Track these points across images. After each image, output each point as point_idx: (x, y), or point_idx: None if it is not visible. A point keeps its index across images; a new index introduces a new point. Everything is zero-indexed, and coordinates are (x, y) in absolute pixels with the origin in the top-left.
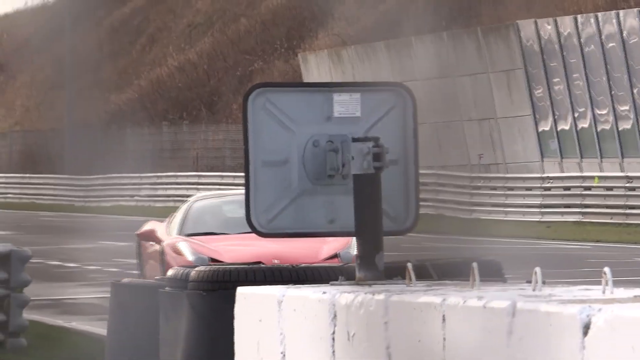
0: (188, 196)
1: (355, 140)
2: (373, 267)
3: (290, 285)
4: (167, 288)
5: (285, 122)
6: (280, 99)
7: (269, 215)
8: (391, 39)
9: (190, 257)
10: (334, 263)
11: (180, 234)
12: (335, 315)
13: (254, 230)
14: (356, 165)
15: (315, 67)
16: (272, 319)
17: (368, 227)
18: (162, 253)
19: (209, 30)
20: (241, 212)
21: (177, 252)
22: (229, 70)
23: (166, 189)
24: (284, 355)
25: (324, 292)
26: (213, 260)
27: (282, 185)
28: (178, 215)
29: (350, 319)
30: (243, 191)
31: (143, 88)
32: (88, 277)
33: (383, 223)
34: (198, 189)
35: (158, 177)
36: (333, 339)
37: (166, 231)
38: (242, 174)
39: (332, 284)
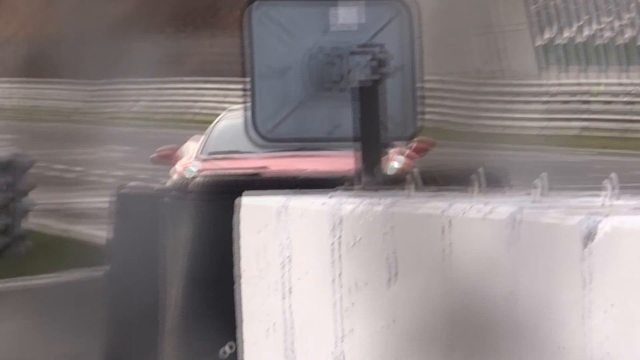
0: (192, 102)
1: (353, 52)
2: (375, 174)
3: (291, 194)
4: (168, 197)
5: (285, 34)
6: (280, 11)
7: (271, 123)
8: None
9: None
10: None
11: (202, 154)
12: (336, 224)
13: (258, 135)
14: (354, 74)
15: None
16: (272, 228)
17: (369, 135)
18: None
19: None
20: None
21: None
22: None
23: (170, 94)
24: (284, 263)
25: (324, 202)
26: None
27: (283, 95)
28: (205, 134)
29: (352, 227)
30: None
31: None
32: (93, 182)
33: (388, 129)
34: (203, 96)
35: (163, 81)
36: (333, 248)
37: (191, 152)
38: (244, 82)
39: (333, 192)
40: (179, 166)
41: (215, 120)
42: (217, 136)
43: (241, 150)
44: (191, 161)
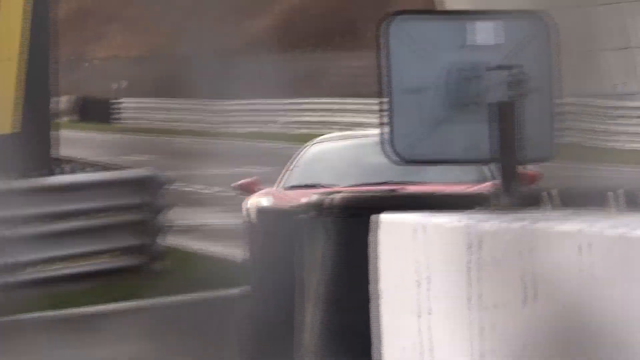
0: (327, 123)
1: (490, 69)
2: (510, 194)
3: (427, 213)
4: (303, 214)
5: (421, 50)
6: (416, 26)
7: (409, 143)
8: None
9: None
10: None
11: (280, 186)
12: (473, 243)
13: (397, 157)
14: (492, 93)
15: None
16: (410, 246)
17: (505, 155)
18: (246, 209)
19: None
20: (365, 158)
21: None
22: None
23: (304, 115)
24: (420, 282)
25: (461, 221)
26: None
27: (420, 113)
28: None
29: (490, 246)
30: (372, 132)
31: (277, 15)
32: (229, 200)
33: (524, 151)
34: (337, 116)
35: (296, 103)
36: (469, 267)
37: (278, 183)
38: (381, 101)
39: (471, 211)
40: (251, 199)
41: (301, 151)
42: (300, 168)
43: (323, 184)
44: (265, 195)
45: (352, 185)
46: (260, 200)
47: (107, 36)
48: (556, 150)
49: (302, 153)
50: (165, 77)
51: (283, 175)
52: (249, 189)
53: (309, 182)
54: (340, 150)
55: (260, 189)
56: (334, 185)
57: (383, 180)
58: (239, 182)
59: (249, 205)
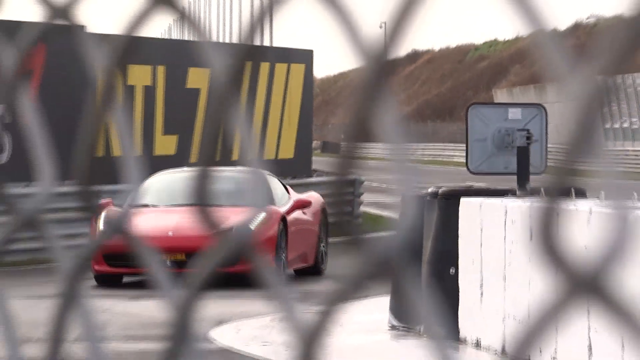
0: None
1: (519, 130)
2: (524, 189)
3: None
4: (428, 198)
5: (485, 120)
6: (483, 110)
7: (478, 163)
8: None
9: (101, 226)
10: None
11: (128, 204)
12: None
13: (470, 171)
14: (518, 141)
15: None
16: (476, 218)
17: (523, 169)
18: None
19: None
20: (175, 186)
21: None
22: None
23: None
24: (481, 250)
25: (502, 200)
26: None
27: (484, 150)
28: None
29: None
30: (186, 169)
31: None
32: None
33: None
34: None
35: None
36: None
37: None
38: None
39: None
40: (100, 218)
41: (147, 179)
42: (142, 191)
43: (148, 204)
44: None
45: (166, 205)
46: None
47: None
48: (546, 169)
49: (146, 182)
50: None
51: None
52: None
53: (143, 202)
54: (162, 181)
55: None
56: (156, 205)
57: (186, 202)
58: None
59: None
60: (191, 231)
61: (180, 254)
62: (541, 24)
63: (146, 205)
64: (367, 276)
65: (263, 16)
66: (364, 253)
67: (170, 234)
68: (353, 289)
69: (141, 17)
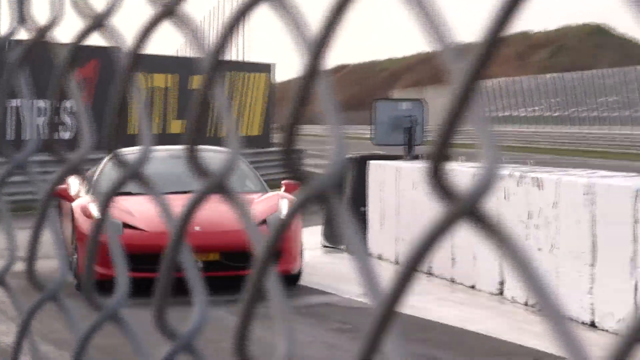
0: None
1: (406, 116)
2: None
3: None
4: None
5: (384, 112)
6: (386, 104)
7: (379, 139)
8: None
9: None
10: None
11: (92, 193)
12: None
13: (376, 143)
14: (405, 124)
15: None
16: (378, 174)
17: (408, 141)
18: (72, 213)
19: None
20: (172, 169)
21: (88, 215)
22: None
23: None
24: (381, 195)
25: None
26: (127, 225)
27: (384, 130)
28: (95, 172)
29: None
30: (175, 147)
31: None
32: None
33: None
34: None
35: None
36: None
37: (80, 190)
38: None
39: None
40: (77, 204)
41: (106, 158)
42: (108, 175)
43: (132, 192)
44: (88, 203)
45: (173, 193)
46: (87, 206)
47: None
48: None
49: (103, 164)
50: None
51: (88, 184)
52: (63, 195)
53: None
54: (156, 162)
55: (71, 197)
56: (141, 194)
57: (173, 190)
58: (58, 189)
59: (74, 209)
60: (225, 225)
61: (213, 254)
62: (443, 40)
63: (128, 193)
64: (310, 200)
65: (234, 29)
66: (307, 185)
67: (197, 228)
68: (300, 207)
69: (148, 30)
